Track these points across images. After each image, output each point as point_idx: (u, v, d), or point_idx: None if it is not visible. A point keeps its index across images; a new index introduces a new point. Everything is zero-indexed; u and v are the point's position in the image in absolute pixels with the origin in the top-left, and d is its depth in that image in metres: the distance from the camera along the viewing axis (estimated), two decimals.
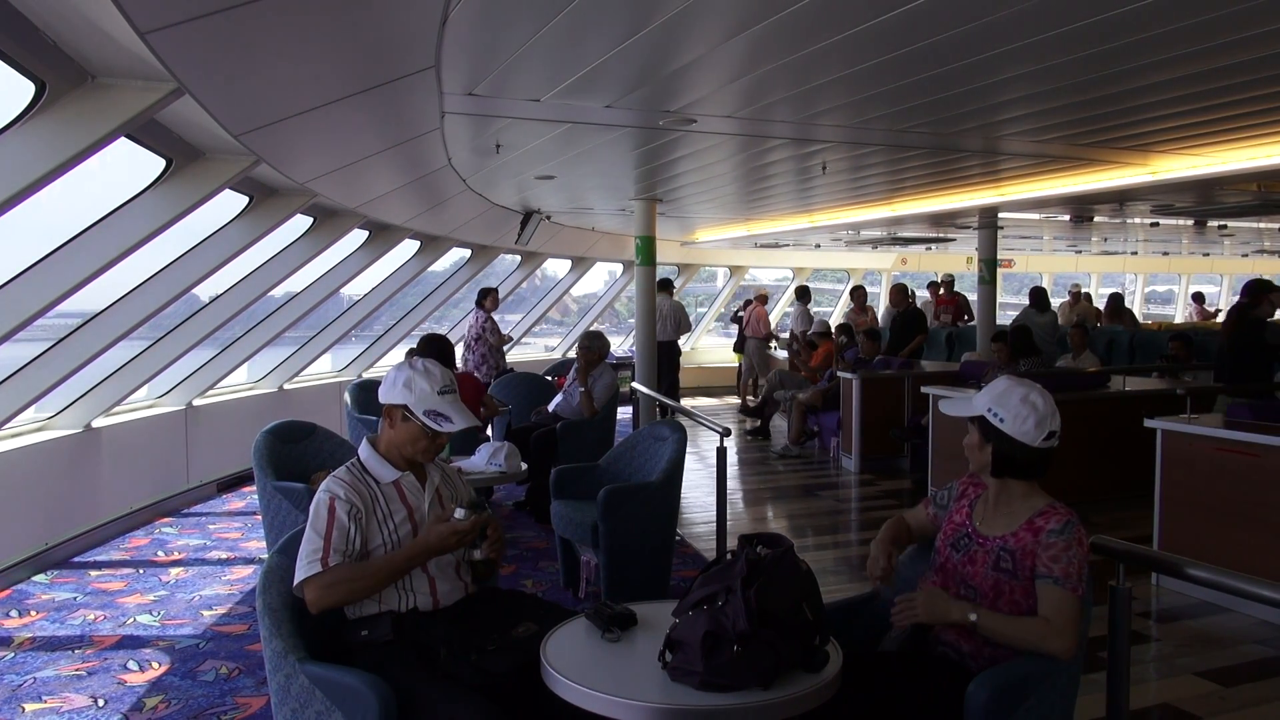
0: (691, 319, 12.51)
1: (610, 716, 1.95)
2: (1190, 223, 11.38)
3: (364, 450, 2.58)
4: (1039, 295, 9.78)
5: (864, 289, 12.52)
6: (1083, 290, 15.26)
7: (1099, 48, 4.13)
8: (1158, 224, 11.49)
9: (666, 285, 12.04)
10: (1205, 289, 21.97)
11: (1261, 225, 12.41)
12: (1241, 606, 4.46)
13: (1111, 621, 2.31)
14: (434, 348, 5.23)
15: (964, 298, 13.19)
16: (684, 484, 4.89)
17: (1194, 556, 2.52)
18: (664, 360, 11.39)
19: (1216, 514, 4.72)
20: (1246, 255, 18.97)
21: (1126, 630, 2.31)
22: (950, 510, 2.53)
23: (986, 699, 2.10)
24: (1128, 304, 17.13)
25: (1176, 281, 22.10)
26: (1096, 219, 11.03)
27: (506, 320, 14.84)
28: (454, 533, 2.39)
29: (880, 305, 15.34)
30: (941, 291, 13.45)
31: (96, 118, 3.53)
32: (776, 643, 1.98)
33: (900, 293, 11.05)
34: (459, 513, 2.41)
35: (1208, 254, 18.82)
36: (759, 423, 10.16)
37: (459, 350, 9.24)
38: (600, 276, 16.49)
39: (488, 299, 9.57)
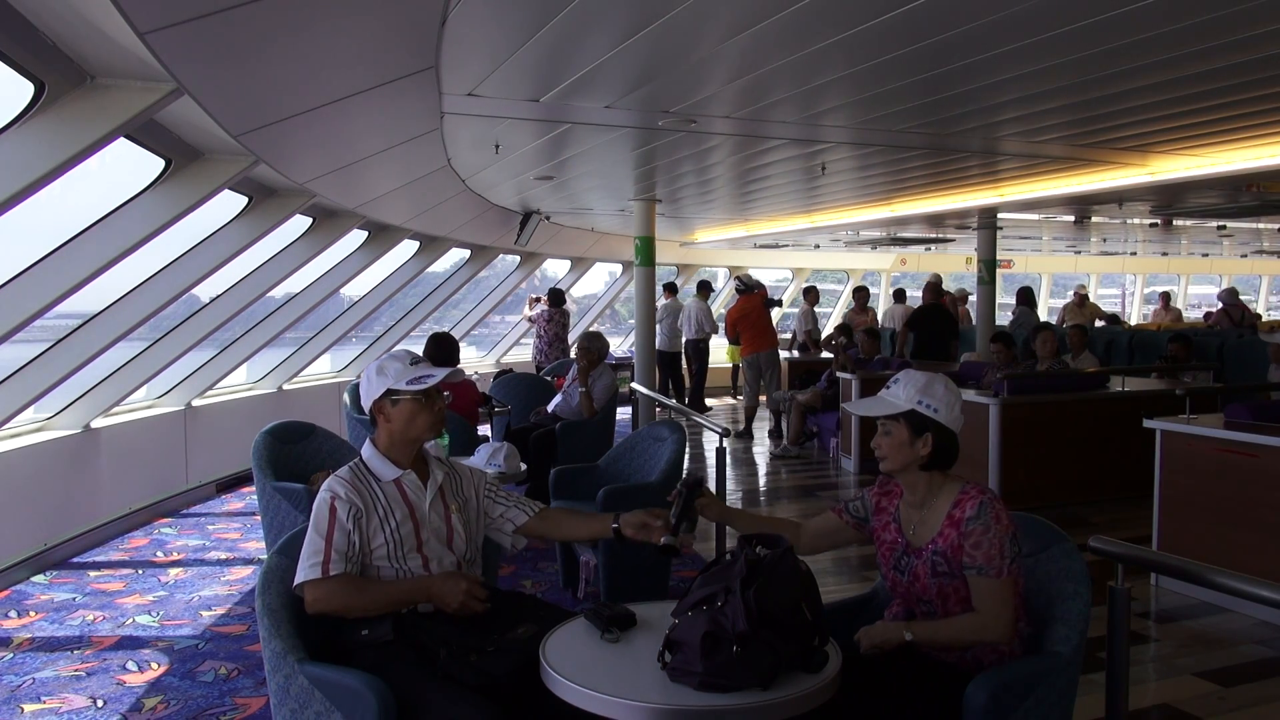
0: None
1: (610, 717, 1.95)
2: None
3: (366, 450, 2.59)
4: (1030, 294, 9.81)
5: (867, 289, 12.55)
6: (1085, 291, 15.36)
7: (1098, 48, 4.13)
8: (1157, 224, 11.50)
9: (705, 288, 12.81)
10: (1206, 289, 22.03)
11: (1261, 226, 12.43)
12: (1241, 607, 4.45)
13: (1110, 622, 2.31)
14: (439, 346, 5.23)
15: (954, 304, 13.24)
16: None
17: (1193, 557, 2.53)
18: (695, 358, 12.16)
19: (1216, 514, 4.72)
20: (1245, 256, 18.99)
21: (1125, 631, 2.31)
22: (875, 529, 2.52)
23: (985, 700, 2.10)
24: (1127, 305, 17.18)
25: (1176, 282, 22.12)
26: (1097, 219, 11.05)
27: (507, 321, 14.91)
28: (463, 591, 2.38)
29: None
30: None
31: (96, 118, 3.53)
32: (776, 643, 1.98)
33: (932, 290, 10.89)
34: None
35: (1207, 254, 18.83)
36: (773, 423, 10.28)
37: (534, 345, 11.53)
38: (600, 277, 16.53)
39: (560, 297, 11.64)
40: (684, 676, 1.98)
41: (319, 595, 2.35)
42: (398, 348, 2.66)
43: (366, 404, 2.57)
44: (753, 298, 10.14)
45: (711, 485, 5.66)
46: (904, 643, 2.27)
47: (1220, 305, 13.51)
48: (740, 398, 11.78)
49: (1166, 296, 16.76)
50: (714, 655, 1.95)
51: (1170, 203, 9.51)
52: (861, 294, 12.20)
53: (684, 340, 12.60)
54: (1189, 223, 11.70)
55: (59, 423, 6.00)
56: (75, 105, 3.52)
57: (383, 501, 2.49)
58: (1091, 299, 15.98)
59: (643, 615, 2.32)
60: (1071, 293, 15.09)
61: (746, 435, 10.09)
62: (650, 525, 2.50)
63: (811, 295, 12.64)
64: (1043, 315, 19.43)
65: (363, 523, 2.43)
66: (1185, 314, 18.83)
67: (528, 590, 4.82)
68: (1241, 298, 14.23)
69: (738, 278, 11.03)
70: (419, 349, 5.60)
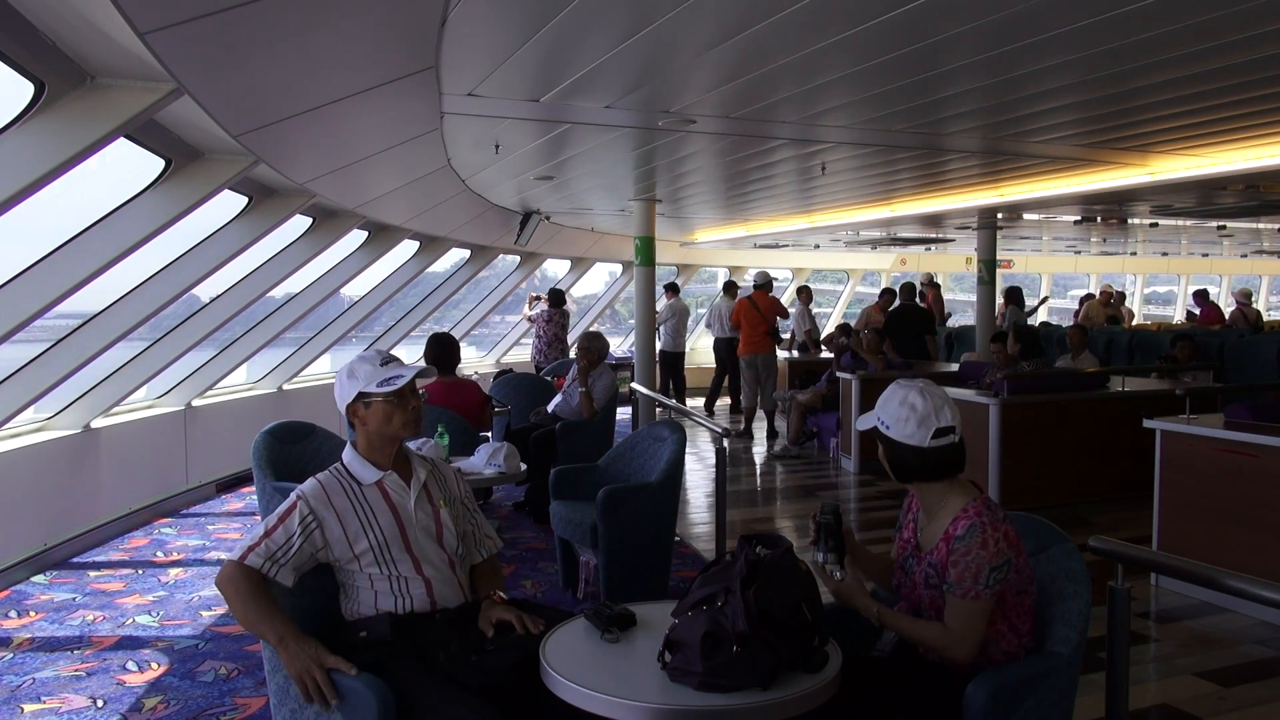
0: (689, 320, 12.68)
1: (610, 717, 1.95)
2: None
3: (347, 454, 2.57)
4: (1019, 293, 9.82)
5: (893, 291, 12.46)
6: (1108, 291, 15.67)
7: (1099, 48, 4.13)
8: (1157, 224, 11.50)
9: (731, 288, 12.69)
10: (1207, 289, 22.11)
11: (1261, 226, 12.42)
12: (1241, 606, 4.45)
13: (1110, 622, 2.31)
14: (439, 346, 5.22)
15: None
16: (684, 484, 4.88)
17: (1193, 557, 2.53)
18: (727, 357, 11.92)
19: (1216, 514, 4.72)
20: (1245, 256, 18.98)
21: (1125, 631, 2.31)
22: (900, 527, 2.52)
23: (986, 700, 2.10)
24: (1127, 304, 17.36)
25: (1176, 282, 22.11)
26: (1097, 219, 11.05)
27: (507, 321, 14.91)
28: (310, 660, 2.19)
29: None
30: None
31: (96, 118, 3.53)
32: (776, 643, 1.98)
33: (905, 291, 10.93)
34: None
35: (1207, 254, 18.84)
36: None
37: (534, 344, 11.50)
38: (600, 277, 16.53)
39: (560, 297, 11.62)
40: (684, 676, 1.99)
41: (222, 576, 2.34)
42: (369, 349, 2.64)
43: (341, 408, 2.54)
44: (765, 298, 10.18)
45: (711, 485, 5.66)
46: (871, 617, 2.31)
47: (1235, 305, 14.22)
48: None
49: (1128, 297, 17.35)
50: (714, 655, 1.96)
51: (1171, 203, 9.50)
52: (888, 296, 12.03)
53: (713, 340, 12.51)
54: (1189, 222, 11.68)
55: (59, 423, 6.00)
56: (75, 105, 3.51)
57: (365, 505, 2.47)
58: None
59: (643, 615, 2.32)
60: (1099, 291, 15.23)
61: (746, 435, 10.10)
62: (489, 620, 2.43)
63: (805, 295, 12.63)
64: (1043, 314, 19.49)
65: (315, 535, 2.40)
66: (1183, 314, 18.97)
67: (528, 590, 4.83)
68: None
69: (760, 273, 10.97)
70: (419, 349, 5.60)
